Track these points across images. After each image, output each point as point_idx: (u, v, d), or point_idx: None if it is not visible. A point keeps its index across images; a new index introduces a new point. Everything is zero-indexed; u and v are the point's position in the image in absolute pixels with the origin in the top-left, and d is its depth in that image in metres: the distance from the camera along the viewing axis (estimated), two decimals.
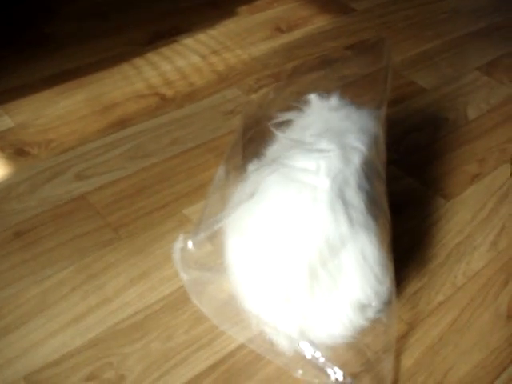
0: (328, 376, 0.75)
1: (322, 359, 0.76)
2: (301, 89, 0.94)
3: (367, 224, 0.73)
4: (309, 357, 0.76)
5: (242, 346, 0.79)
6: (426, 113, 1.26)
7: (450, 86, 1.36)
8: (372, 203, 0.75)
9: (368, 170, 0.77)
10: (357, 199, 0.73)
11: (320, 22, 1.56)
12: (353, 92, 0.91)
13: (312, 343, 0.75)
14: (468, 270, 0.92)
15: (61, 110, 1.19)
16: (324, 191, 0.71)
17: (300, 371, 0.76)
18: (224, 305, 0.81)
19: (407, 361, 0.79)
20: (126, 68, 1.33)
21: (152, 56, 1.38)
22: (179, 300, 0.84)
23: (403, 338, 0.82)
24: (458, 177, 1.10)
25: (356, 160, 0.76)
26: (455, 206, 1.03)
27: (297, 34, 1.50)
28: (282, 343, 0.76)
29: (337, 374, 0.75)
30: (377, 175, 0.79)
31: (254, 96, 1.26)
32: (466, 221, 1.01)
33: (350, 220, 0.71)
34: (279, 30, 1.51)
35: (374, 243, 0.72)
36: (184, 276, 0.79)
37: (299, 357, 0.76)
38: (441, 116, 1.25)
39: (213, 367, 0.77)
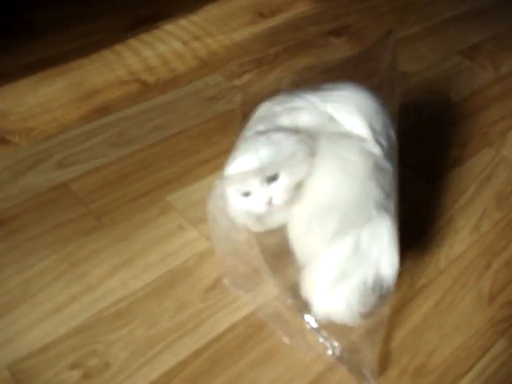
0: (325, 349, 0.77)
1: (323, 333, 0.77)
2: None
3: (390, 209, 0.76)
4: (311, 328, 0.78)
5: (226, 332, 0.80)
6: (408, 97, 1.26)
7: (433, 71, 1.36)
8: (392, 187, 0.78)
9: (393, 153, 0.81)
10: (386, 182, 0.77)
11: (302, 7, 1.56)
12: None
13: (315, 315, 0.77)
14: (451, 253, 0.93)
15: (41, 98, 1.18)
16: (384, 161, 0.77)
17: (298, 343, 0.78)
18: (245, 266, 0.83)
19: (391, 343, 0.80)
20: (106, 54, 1.32)
21: (133, 42, 1.37)
22: (163, 287, 0.84)
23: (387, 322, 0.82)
24: (440, 161, 1.10)
25: (385, 144, 0.80)
26: (438, 190, 1.04)
27: (279, 19, 1.49)
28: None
29: (335, 348, 0.77)
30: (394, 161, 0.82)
31: (237, 82, 1.25)
32: (449, 204, 1.02)
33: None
34: (261, 15, 1.51)
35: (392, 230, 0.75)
36: (216, 225, 0.80)
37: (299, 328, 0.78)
38: (423, 100, 1.26)
39: (198, 353, 0.77)
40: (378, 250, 0.73)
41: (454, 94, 1.29)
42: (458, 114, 1.23)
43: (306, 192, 0.76)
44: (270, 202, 0.74)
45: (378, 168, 0.76)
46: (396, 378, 0.76)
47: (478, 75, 1.36)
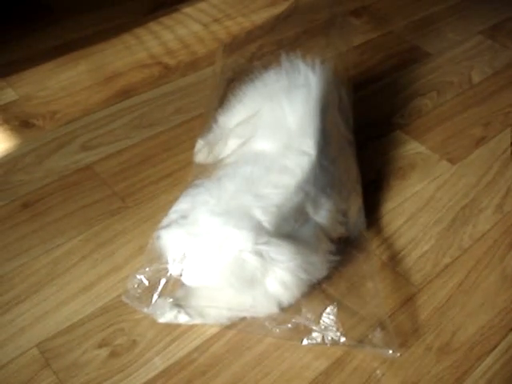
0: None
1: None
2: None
3: None
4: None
5: None
6: (430, 77, 1.25)
7: (454, 51, 1.35)
8: None
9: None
10: None
11: None
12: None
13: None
14: (474, 233, 0.93)
15: (64, 82, 1.19)
16: None
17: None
18: None
19: (415, 322, 0.80)
20: (127, 38, 1.32)
21: (153, 25, 1.37)
22: None
23: (411, 300, 0.83)
24: (463, 140, 1.10)
25: None
26: (461, 170, 1.04)
27: (299, 0, 1.48)
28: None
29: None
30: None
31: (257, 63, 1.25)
32: (472, 184, 1.01)
33: None
34: None
35: None
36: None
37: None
38: (445, 80, 1.25)
39: (223, 331, 0.78)
40: None
41: (475, 74, 1.28)
42: (480, 94, 1.22)
43: None
44: None
45: None
46: (420, 355, 0.77)
47: (499, 55, 1.35)
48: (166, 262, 0.74)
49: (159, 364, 0.74)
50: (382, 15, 1.45)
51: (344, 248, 0.83)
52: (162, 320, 0.77)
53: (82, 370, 0.73)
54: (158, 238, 0.76)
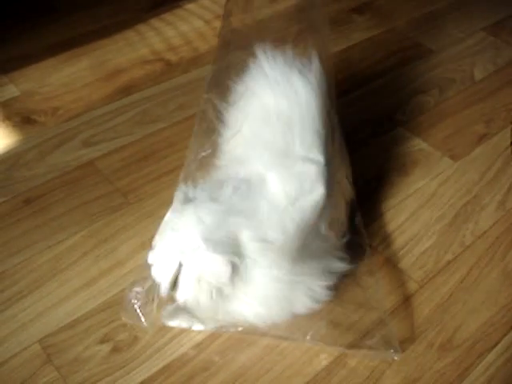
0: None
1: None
2: None
3: None
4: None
5: None
6: (432, 74, 1.25)
7: (457, 47, 1.35)
8: None
9: None
10: None
11: None
12: None
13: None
14: (476, 230, 0.93)
15: (66, 78, 1.19)
16: None
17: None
18: None
19: (417, 319, 0.80)
20: (129, 34, 1.32)
21: (155, 22, 1.37)
22: None
23: (413, 297, 0.83)
24: (465, 137, 1.10)
25: None
26: (463, 167, 1.04)
27: None
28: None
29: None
30: None
31: None
32: (474, 181, 1.01)
33: None
34: None
35: None
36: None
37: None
38: (448, 77, 1.25)
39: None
40: None
41: (478, 71, 1.28)
42: (483, 91, 1.22)
43: None
44: None
45: None
46: (422, 352, 0.77)
47: (502, 52, 1.35)
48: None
49: (161, 360, 0.75)
50: (384, 12, 1.45)
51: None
52: (168, 324, 0.77)
53: (83, 366, 0.74)
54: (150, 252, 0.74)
